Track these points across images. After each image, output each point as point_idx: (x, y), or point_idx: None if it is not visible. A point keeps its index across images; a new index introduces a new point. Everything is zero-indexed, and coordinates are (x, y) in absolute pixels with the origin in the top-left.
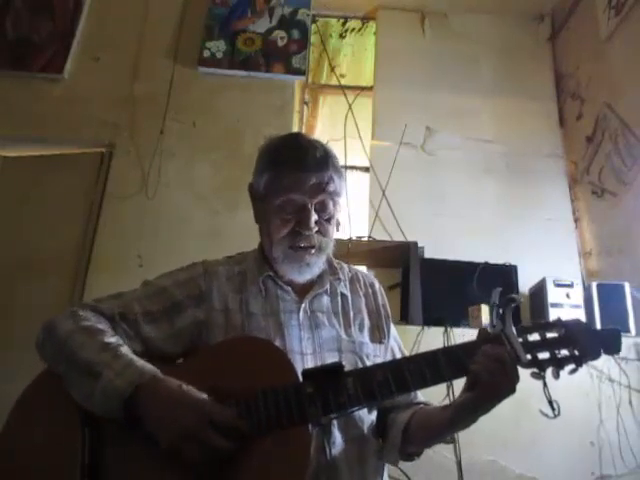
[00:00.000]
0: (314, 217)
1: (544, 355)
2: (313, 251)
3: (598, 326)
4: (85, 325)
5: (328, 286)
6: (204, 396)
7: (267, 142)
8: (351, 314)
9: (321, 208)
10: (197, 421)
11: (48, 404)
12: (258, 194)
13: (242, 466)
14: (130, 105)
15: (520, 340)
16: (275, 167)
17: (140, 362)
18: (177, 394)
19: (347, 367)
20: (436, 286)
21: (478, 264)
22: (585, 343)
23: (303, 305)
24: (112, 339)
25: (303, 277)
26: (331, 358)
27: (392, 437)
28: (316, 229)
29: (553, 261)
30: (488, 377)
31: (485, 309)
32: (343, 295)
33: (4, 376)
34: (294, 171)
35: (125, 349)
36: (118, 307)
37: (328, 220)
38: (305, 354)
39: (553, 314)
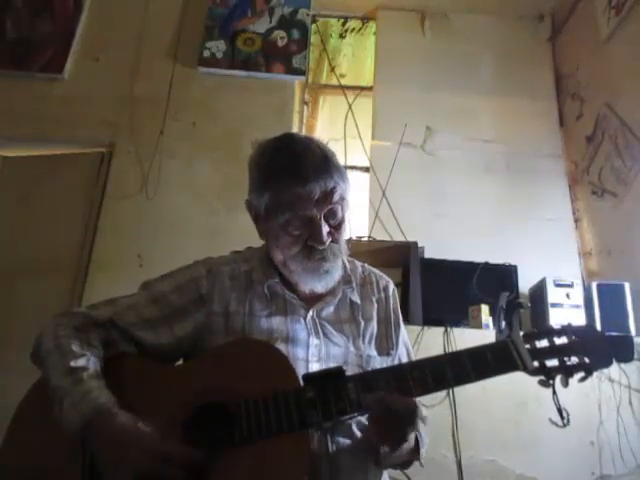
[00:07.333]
0: (325, 229)
1: (553, 362)
2: (328, 259)
3: (598, 326)
4: (60, 343)
5: (339, 296)
6: (153, 433)
7: (257, 152)
8: (362, 324)
9: (330, 216)
10: (150, 462)
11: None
12: (259, 214)
13: (236, 473)
14: (130, 105)
15: (527, 346)
16: (273, 185)
17: (96, 392)
18: (127, 433)
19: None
20: (436, 286)
21: (478, 264)
22: (597, 351)
23: (311, 313)
24: (80, 362)
25: (325, 285)
26: None
27: None
28: (329, 240)
29: (553, 261)
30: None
31: (485, 309)
32: (353, 302)
33: (4, 376)
34: (295, 187)
35: (89, 373)
36: (111, 313)
37: (339, 226)
38: (310, 361)
39: (553, 314)
